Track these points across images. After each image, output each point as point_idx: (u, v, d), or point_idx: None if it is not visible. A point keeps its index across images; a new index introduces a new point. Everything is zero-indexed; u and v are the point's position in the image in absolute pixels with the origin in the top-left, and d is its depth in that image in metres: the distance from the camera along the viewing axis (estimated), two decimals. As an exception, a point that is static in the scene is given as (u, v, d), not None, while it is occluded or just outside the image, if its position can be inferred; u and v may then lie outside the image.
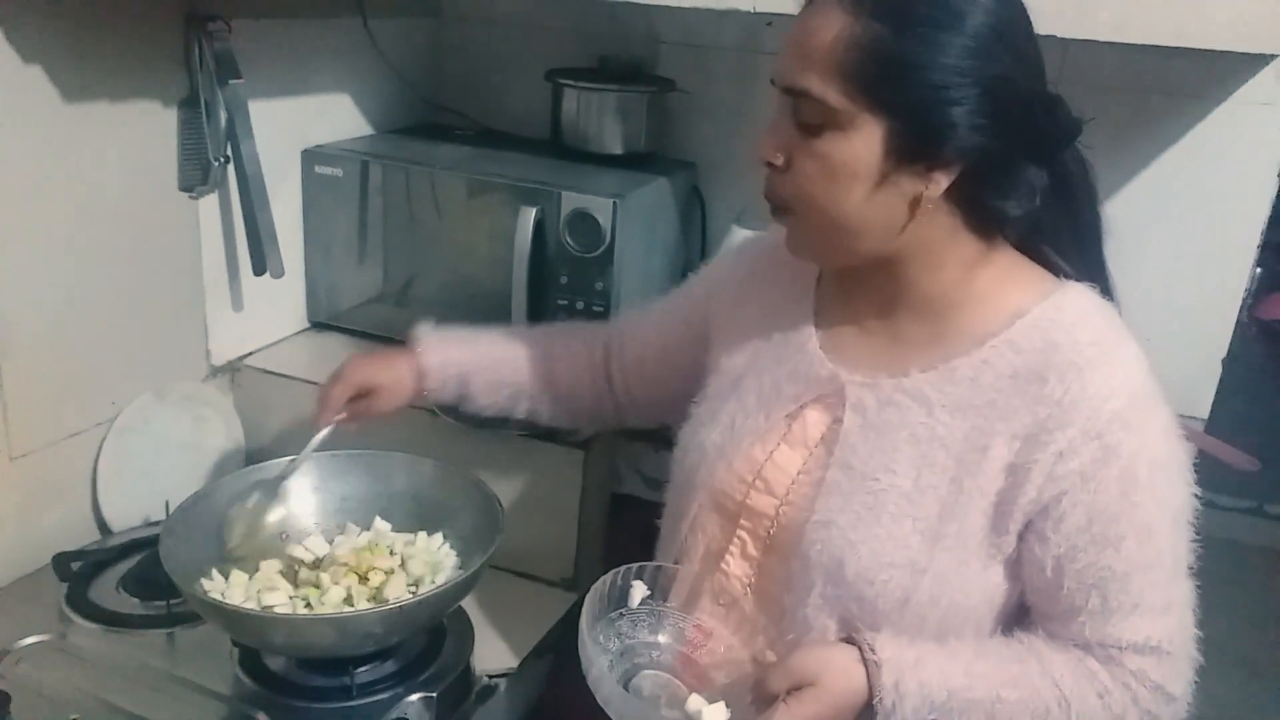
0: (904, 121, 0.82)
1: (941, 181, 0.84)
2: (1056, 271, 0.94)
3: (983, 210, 0.87)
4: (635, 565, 0.99)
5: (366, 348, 1.66)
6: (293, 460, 1.21)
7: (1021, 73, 0.84)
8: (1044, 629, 0.90)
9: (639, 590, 0.99)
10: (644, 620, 0.99)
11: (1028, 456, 0.86)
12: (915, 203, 0.85)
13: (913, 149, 0.83)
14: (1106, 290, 0.94)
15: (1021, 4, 0.85)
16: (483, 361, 1.21)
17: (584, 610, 0.92)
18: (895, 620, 0.89)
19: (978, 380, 0.88)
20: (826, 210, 0.87)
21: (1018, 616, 0.93)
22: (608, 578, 0.97)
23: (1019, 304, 0.89)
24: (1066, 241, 0.93)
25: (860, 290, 0.96)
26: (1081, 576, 0.86)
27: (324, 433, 1.17)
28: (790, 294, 1.03)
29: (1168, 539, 0.87)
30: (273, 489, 1.21)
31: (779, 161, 0.88)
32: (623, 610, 0.98)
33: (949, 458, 0.89)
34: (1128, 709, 0.87)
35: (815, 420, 0.96)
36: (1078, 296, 0.90)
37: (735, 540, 0.99)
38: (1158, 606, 0.87)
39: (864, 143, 0.83)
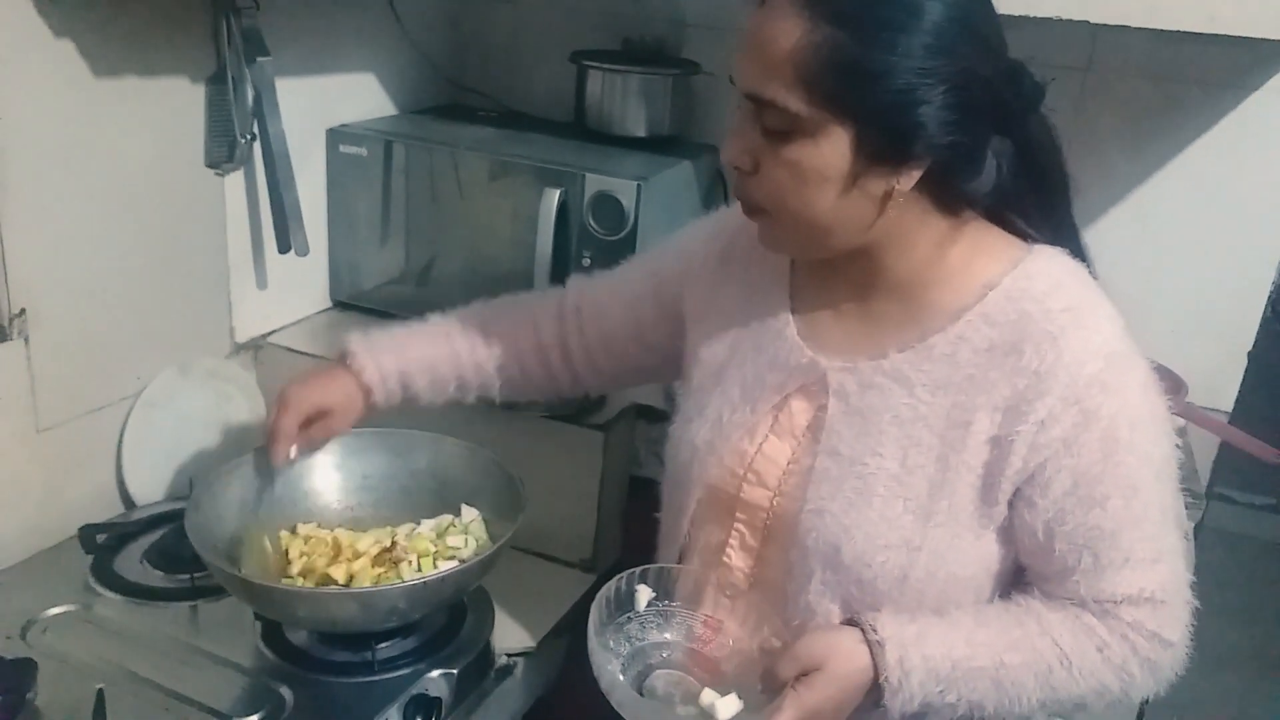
0: (872, 126, 0.81)
1: (913, 175, 0.83)
2: (1025, 236, 0.93)
3: (953, 191, 0.87)
4: (639, 569, 0.99)
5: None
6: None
7: (985, 58, 0.82)
8: (1040, 589, 0.91)
9: (644, 593, 0.99)
10: (652, 621, 0.99)
11: (1010, 428, 0.86)
12: (886, 197, 0.85)
13: (882, 151, 0.82)
14: (1077, 250, 0.93)
15: None
16: (420, 364, 1.17)
17: (590, 618, 0.92)
18: (896, 598, 0.90)
19: (955, 356, 0.89)
20: (799, 213, 0.86)
21: (1015, 578, 0.94)
22: (611, 584, 0.97)
23: (989, 275, 0.89)
24: (1033, 206, 0.93)
25: (835, 276, 0.95)
26: (1072, 537, 0.87)
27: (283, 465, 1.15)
28: (766, 277, 1.02)
29: (1153, 492, 0.88)
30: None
31: (747, 166, 0.87)
32: (630, 614, 0.98)
33: (933, 436, 0.89)
34: (1127, 659, 0.88)
35: (800, 409, 0.97)
36: (1047, 262, 0.90)
37: (734, 533, 1.00)
38: (1148, 558, 0.88)
39: (832, 148, 0.82)
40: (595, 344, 1.17)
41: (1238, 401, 1.55)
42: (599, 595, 0.95)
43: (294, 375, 1.53)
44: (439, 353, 1.18)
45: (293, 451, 1.15)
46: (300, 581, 1.12)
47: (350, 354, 1.15)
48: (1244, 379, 1.55)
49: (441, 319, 1.20)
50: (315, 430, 1.15)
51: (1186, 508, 1.27)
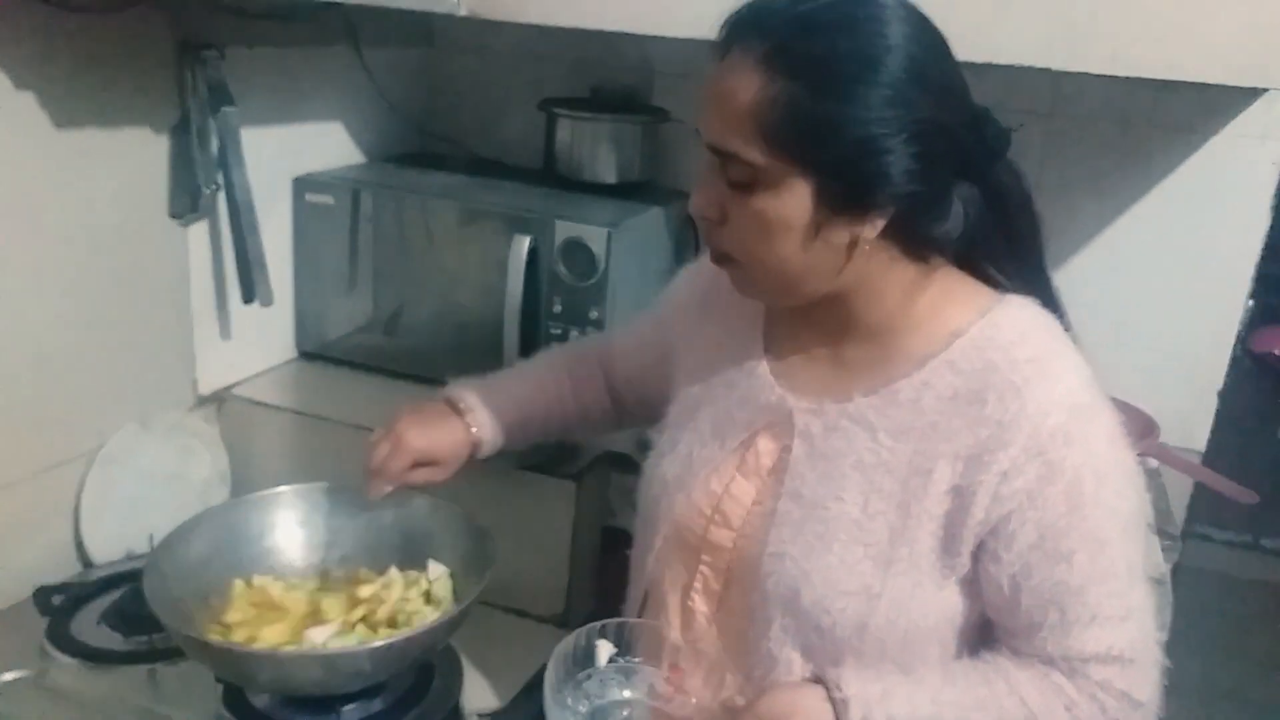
0: (832, 177, 0.82)
1: (878, 223, 0.84)
2: (997, 285, 0.93)
3: (919, 238, 0.87)
4: (599, 623, 0.97)
5: (354, 378, 1.65)
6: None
7: (946, 106, 0.83)
8: (1008, 646, 0.90)
9: (605, 649, 0.96)
10: (613, 678, 0.96)
11: (972, 478, 0.86)
12: (853, 244, 0.85)
13: (845, 200, 0.82)
14: (1049, 299, 0.93)
15: (936, 31, 0.84)
16: (526, 420, 1.19)
17: (547, 675, 0.90)
18: (856, 646, 0.88)
19: (918, 402, 0.88)
20: (766, 261, 0.87)
21: (983, 634, 0.93)
22: (570, 639, 0.95)
23: (957, 323, 0.89)
24: (1003, 253, 0.93)
25: (807, 322, 0.96)
26: (1038, 593, 0.86)
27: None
28: (742, 320, 1.03)
29: (1120, 548, 0.87)
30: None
31: (715, 217, 0.88)
32: (590, 671, 0.96)
33: (895, 483, 0.88)
34: (1096, 719, 0.86)
35: (766, 449, 0.96)
36: (1016, 312, 0.90)
37: (699, 576, 0.99)
38: (1116, 615, 0.86)
39: (795, 199, 0.83)
40: (624, 387, 1.22)
41: (1210, 441, 1.56)
42: (556, 651, 0.92)
43: (258, 428, 1.51)
44: (543, 410, 1.21)
45: (386, 490, 1.13)
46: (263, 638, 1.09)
47: (467, 408, 1.15)
48: (1216, 418, 1.56)
49: (536, 370, 1.24)
50: (416, 477, 1.13)
51: (1164, 549, 1.27)
